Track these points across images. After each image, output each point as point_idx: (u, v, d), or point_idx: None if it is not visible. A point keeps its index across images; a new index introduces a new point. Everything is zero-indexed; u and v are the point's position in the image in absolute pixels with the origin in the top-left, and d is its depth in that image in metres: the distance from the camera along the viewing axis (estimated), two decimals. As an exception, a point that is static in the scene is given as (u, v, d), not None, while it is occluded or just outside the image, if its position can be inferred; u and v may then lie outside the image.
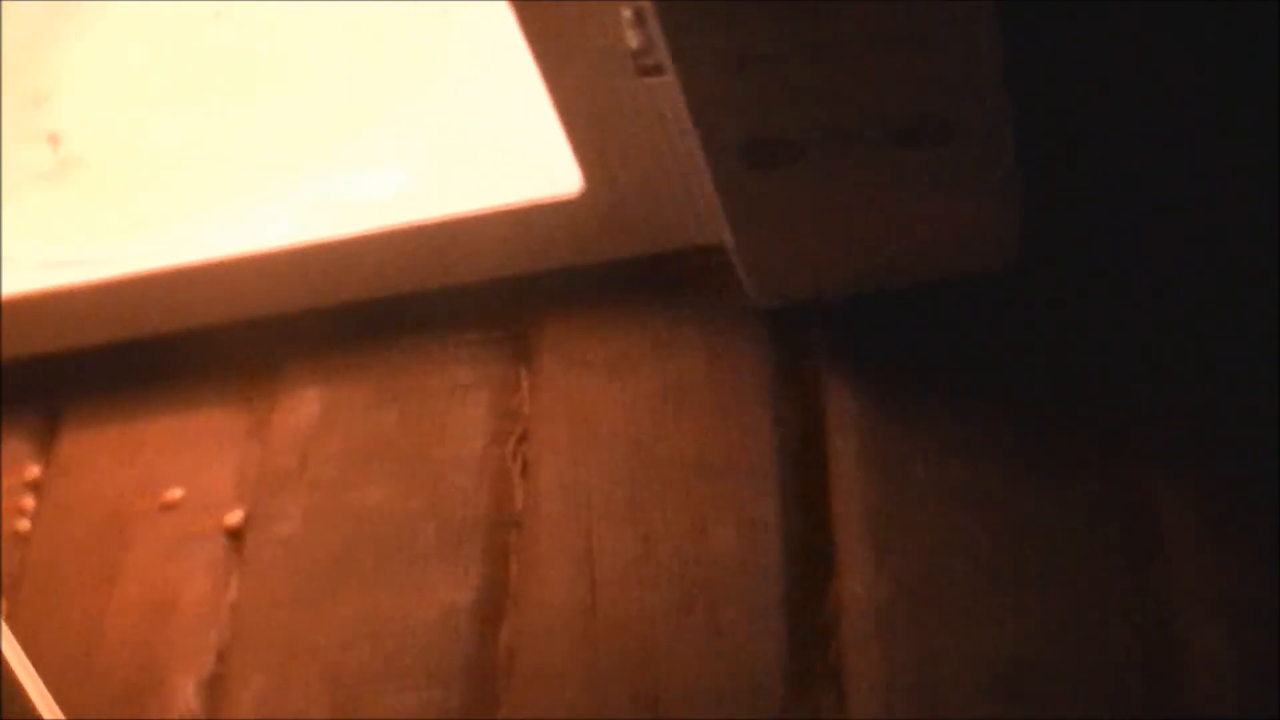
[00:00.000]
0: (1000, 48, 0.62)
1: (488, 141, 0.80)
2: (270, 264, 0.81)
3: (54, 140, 0.91)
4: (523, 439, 0.78)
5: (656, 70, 0.67)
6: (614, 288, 0.80)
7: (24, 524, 0.84)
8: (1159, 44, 0.78)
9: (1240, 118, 0.75)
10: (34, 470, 0.86)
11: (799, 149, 0.66)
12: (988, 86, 0.64)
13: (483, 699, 0.72)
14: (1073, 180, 0.76)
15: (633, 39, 0.68)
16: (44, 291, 0.84)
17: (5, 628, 0.63)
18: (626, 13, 0.67)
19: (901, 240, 0.71)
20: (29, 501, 0.85)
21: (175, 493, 0.82)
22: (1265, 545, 0.65)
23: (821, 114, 0.65)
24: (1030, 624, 0.66)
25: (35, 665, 0.77)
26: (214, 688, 0.76)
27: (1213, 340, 0.70)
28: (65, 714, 0.76)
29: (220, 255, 0.81)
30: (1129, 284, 0.73)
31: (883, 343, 0.75)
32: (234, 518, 0.80)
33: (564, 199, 0.76)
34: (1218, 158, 0.75)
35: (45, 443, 0.87)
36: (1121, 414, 0.70)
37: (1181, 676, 0.64)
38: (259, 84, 0.89)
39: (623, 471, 0.75)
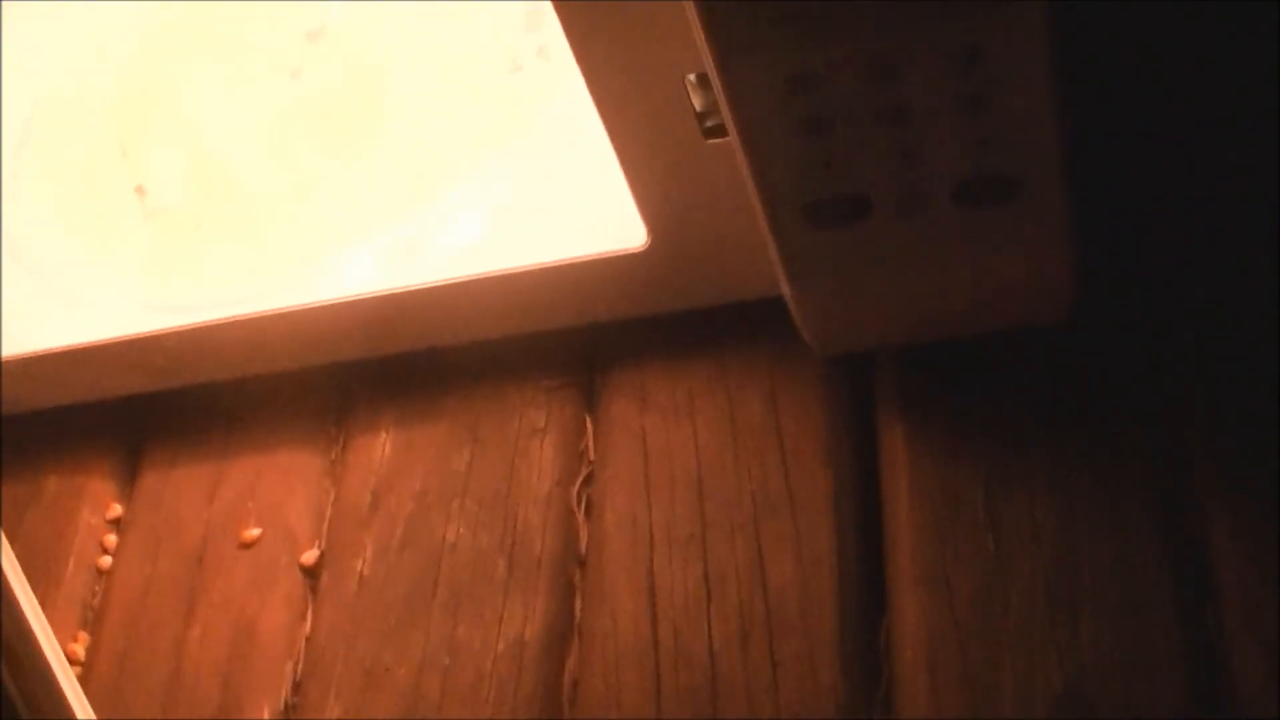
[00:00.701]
0: (1063, 104, 0.64)
1: (559, 196, 0.83)
2: (345, 313, 0.83)
3: (140, 191, 0.94)
4: (588, 480, 0.80)
5: (720, 131, 0.68)
6: (678, 337, 0.82)
7: (106, 560, 0.86)
8: (1218, 91, 0.79)
9: None
10: (116, 509, 0.88)
11: (863, 210, 0.67)
12: (1049, 145, 0.65)
13: (550, 728, 0.74)
14: (1131, 227, 0.77)
15: (697, 102, 0.69)
16: (129, 337, 0.86)
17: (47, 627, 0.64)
18: (691, 76, 0.69)
19: (960, 294, 0.72)
20: (111, 539, 0.87)
21: (253, 531, 0.84)
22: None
23: (887, 176, 0.66)
24: (1083, 659, 0.68)
25: (119, 693, 0.80)
26: (292, 716, 0.78)
27: (1269, 385, 0.71)
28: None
29: (300, 303, 0.83)
30: (1183, 329, 0.74)
31: (939, 390, 0.77)
32: (310, 555, 0.83)
33: (630, 253, 0.78)
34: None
35: (127, 482, 0.90)
36: (1174, 456, 0.72)
37: (1231, 716, 0.65)
38: (337, 139, 0.92)
39: (685, 511, 0.77)
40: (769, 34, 0.61)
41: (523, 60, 0.89)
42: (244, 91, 0.96)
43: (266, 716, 0.78)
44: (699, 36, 0.62)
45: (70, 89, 0.99)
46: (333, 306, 0.83)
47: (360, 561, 0.82)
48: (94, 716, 0.73)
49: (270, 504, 0.86)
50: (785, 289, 0.73)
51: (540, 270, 0.80)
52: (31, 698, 0.63)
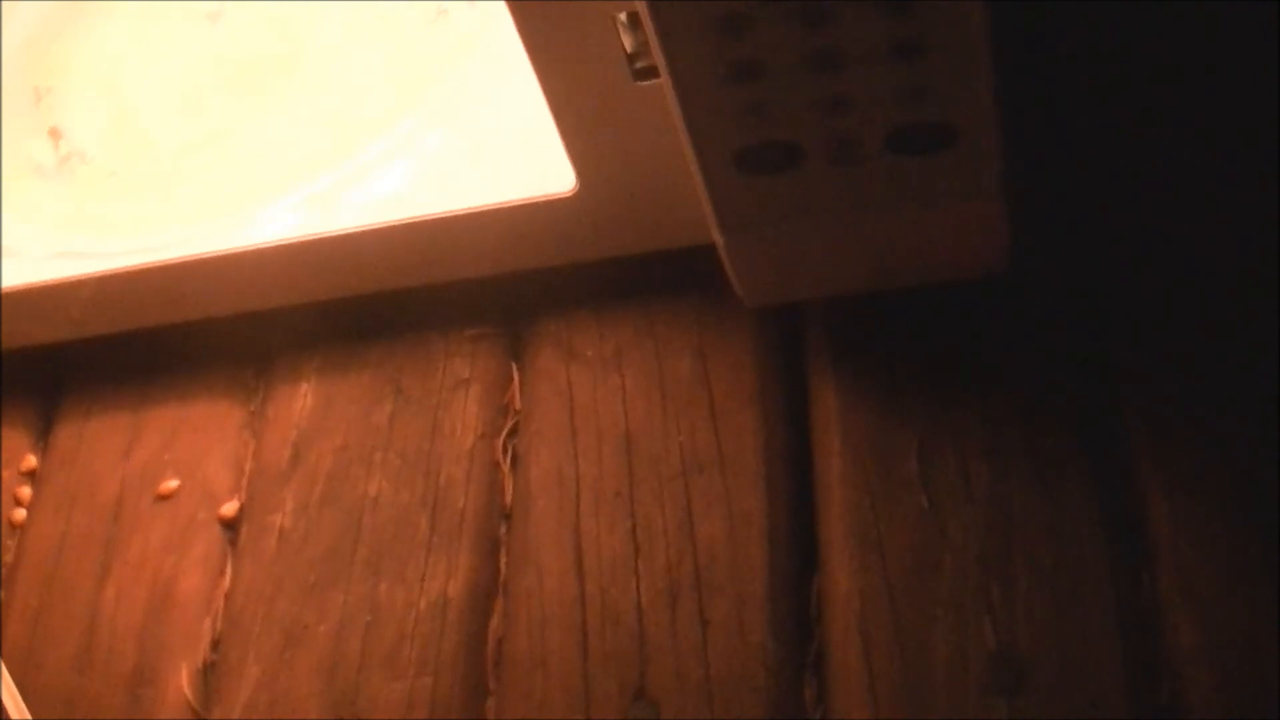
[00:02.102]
0: (993, 53, 0.63)
1: (486, 142, 0.81)
2: (267, 259, 0.82)
3: (55, 134, 0.92)
4: (514, 433, 0.79)
5: (651, 73, 0.67)
6: (608, 286, 0.81)
7: (20, 514, 0.85)
8: (1149, 43, 0.79)
9: (1237, 118, 0.75)
10: (31, 460, 0.87)
11: (795, 157, 0.66)
12: (982, 93, 0.64)
13: (472, 687, 0.73)
14: (1063, 183, 0.76)
15: (627, 42, 0.68)
16: (43, 284, 0.85)
17: None
18: (621, 16, 0.67)
19: (894, 244, 0.71)
20: (26, 491, 0.86)
21: (171, 483, 0.83)
22: (1253, 551, 0.66)
23: (820, 123, 0.65)
24: (1016, 620, 0.67)
25: (32, 653, 0.79)
26: (210, 675, 0.77)
27: (1208, 346, 0.71)
28: (63, 701, 0.77)
29: (219, 249, 0.81)
30: (1121, 287, 0.74)
31: (871, 345, 0.76)
32: (230, 509, 0.81)
33: (557, 198, 0.76)
34: (1212, 159, 0.75)
35: (42, 433, 0.88)
36: (1112, 417, 0.71)
37: (1164, 678, 0.64)
38: (256, 85, 0.90)
39: (612, 466, 0.76)
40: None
41: (447, 4, 0.88)
42: (161, 37, 0.94)
43: (185, 675, 0.77)
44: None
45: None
46: (253, 253, 0.82)
47: (280, 517, 0.80)
48: (7, 676, 0.72)
49: (189, 457, 0.84)
50: (716, 238, 0.72)
51: (466, 216, 0.78)
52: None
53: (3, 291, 0.84)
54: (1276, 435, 0.68)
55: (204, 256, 0.82)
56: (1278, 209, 0.72)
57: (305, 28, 0.91)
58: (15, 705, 0.71)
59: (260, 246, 0.81)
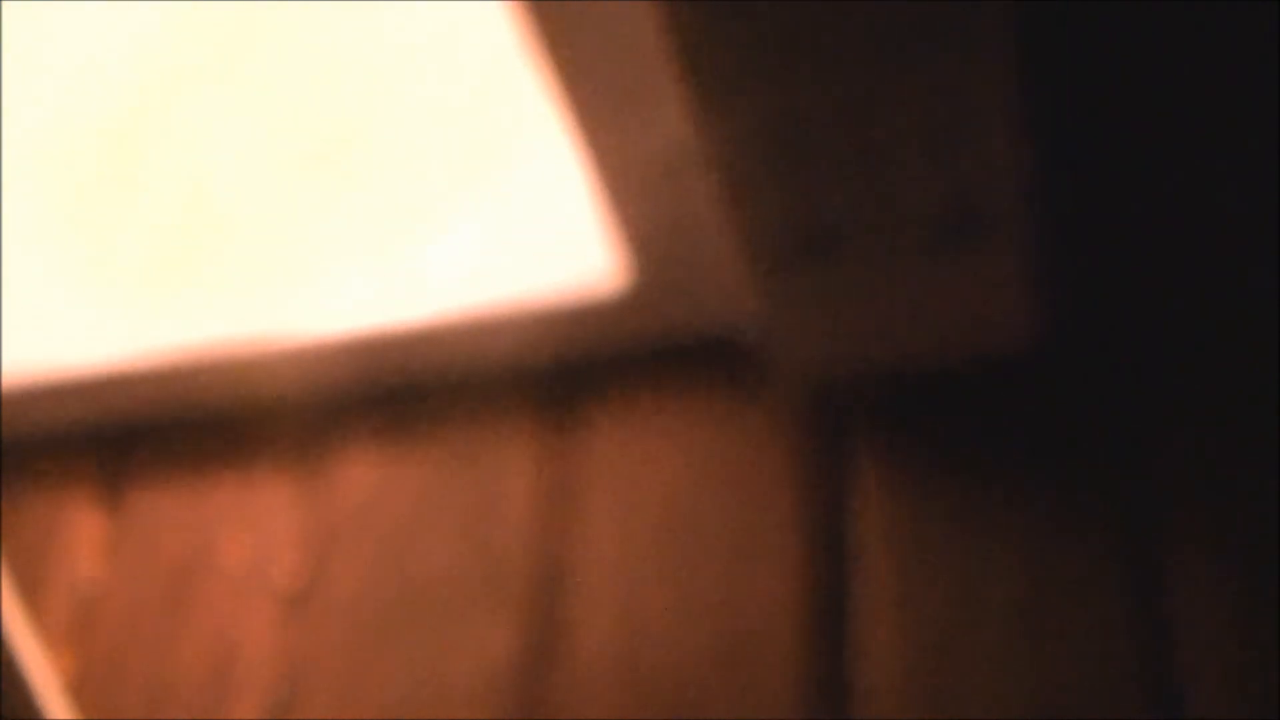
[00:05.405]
0: (1027, 143, 0.66)
1: (538, 234, 0.84)
2: (331, 345, 0.85)
3: (133, 220, 0.95)
4: (567, 511, 0.82)
5: (704, 168, 0.70)
6: (657, 372, 0.83)
7: (92, 585, 0.87)
8: (1181, 124, 0.80)
9: (1273, 196, 0.77)
10: (101, 533, 0.89)
11: (839, 241, 0.69)
12: (1017, 180, 0.67)
13: (526, 749, 0.76)
14: (1093, 264, 0.78)
15: (681, 136, 0.71)
16: (114, 362, 0.88)
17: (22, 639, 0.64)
18: (674, 111, 0.70)
19: (930, 324, 0.74)
20: (97, 563, 0.88)
21: (236, 556, 0.85)
22: (1268, 614, 0.68)
23: (863, 208, 0.68)
24: (1044, 681, 0.69)
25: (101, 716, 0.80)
26: (270, 740, 0.80)
27: (1228, 419, 0.73)
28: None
29: (283, 336, 0.85)
30: (1145, 363, 0.76)
31: (910, 423, 0.78)
32: (292, 579, 0.84)
33: (608, 289, 0.79)
34: (1238, 237, 0.77)
35: (113, 507, 0.90)
36: (1136, 488, 0.73)
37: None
38: (315, 177, 0.93)
39: (660, 541, 0.79)
40: (751, 75, 0.63)
41: (498, 101, 0.91)
42: (235, 124, 0.97)
43: (246, 740, 0.80)
44: (682, 76, 0.64)
45: (68, 115, 1.01)
46: (317, 340, 0.85)
47: (339, 586, 0.83)
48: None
49: (251, 529, 0.87)
50: (760, 321, 0.74)
51: (520, 307, 0.81)
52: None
53: (82, 372, 0.88)
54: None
55: (270, 343, 0.85)
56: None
57: (367, 122, 0.94)
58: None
59: (323, 334, 0.85)
